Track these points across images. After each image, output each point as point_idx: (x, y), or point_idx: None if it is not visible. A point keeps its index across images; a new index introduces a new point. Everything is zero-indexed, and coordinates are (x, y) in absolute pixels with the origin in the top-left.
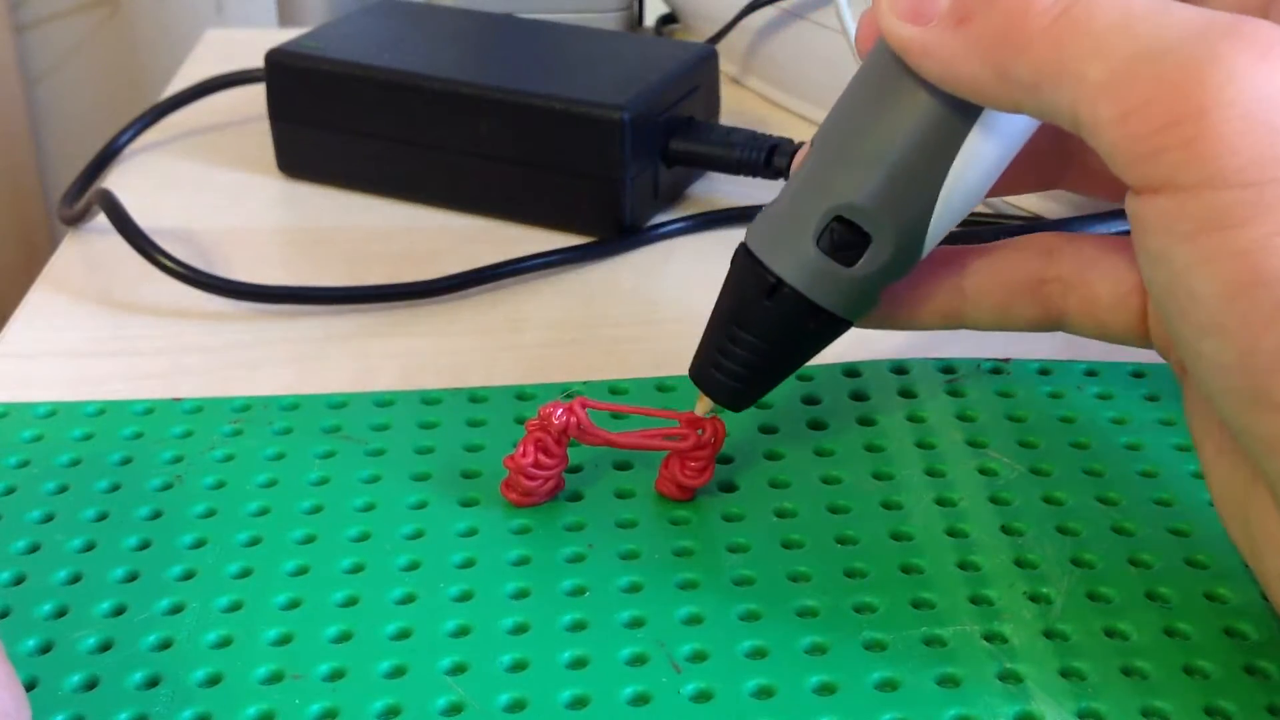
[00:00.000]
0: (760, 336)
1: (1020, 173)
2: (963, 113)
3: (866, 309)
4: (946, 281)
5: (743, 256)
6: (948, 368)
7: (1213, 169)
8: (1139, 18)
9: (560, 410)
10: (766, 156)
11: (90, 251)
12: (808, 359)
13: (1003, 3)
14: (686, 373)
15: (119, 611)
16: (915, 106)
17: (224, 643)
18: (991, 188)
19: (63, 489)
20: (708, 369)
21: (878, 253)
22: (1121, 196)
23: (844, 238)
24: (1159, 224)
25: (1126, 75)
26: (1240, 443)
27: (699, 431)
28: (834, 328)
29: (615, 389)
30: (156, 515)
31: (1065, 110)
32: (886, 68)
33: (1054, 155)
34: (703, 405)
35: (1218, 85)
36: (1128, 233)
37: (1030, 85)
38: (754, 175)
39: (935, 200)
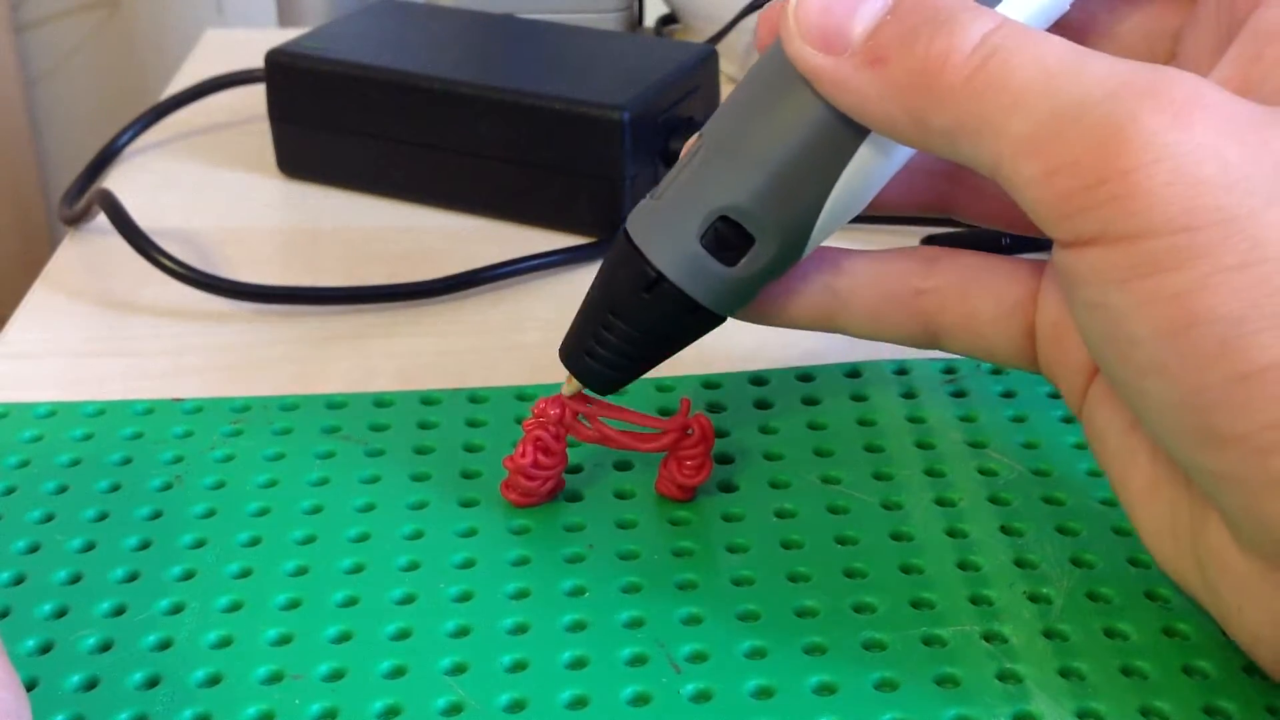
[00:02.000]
0: (635, 327)
1: (908, 190)
2: (856, 127)
3: (742, 306)
4: (820, 280)
5: (624, 245)
6: (948, 368)
7: (1144, 221)
8: (1055, 73)
9: (560, 404)
10: None
11: (90, 251)
12: (679, 349)
13: (920, 50)
14: (676, 371)
15: (119, 611)
16: (810, 115)
17: (224, 643)
18: (875, 204)
19: (63, 489)
20: (580, 354)
21: (760, 254)
22: (1012, 226)
23: (727, 237)
24: (1092, 274)
25: (1049, 133)
26: (1191, 477)
27: (688, 431)
28: (709, 322)
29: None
30: (156, 515)
31: (985, 161)
32: (783, 71)
33: (943, 175)
34: (570, 386)
35: (1140, 146)
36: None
37: (947, 134)
38: None
39: (822, 207)
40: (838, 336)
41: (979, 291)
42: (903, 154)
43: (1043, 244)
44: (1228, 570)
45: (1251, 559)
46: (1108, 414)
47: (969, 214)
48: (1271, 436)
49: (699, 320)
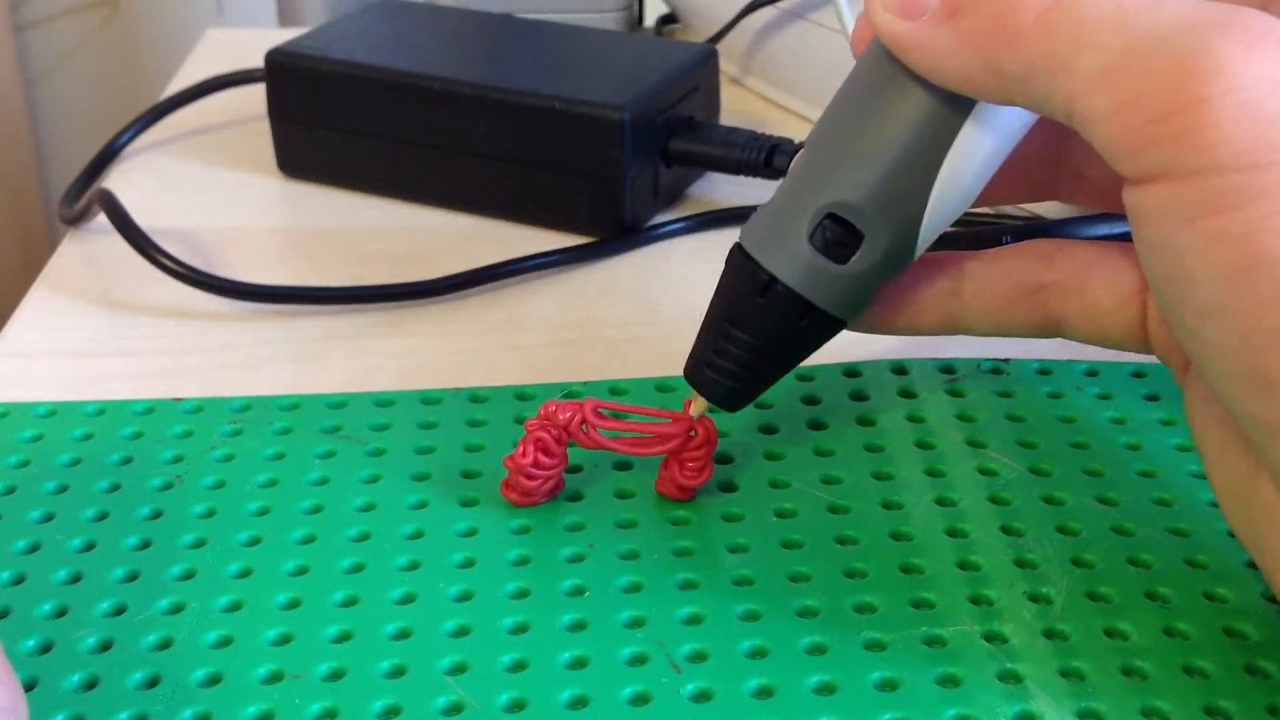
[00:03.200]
0: (754, 335)
1: (1013, 180)
2: (955, 107)
3: (860, 308)
4: (942, 285)
5: (737, 255)
6: (948, 368)
7: (1210, 156)
8: (1131, 9)
9: (571, 409)
10: (766, 156)
11: (90, 251)
12: (801, 359)
13: None
14: (676, 372)
15: (119, 611)
16: (907, 101)
17: (224, 642)
18: (984, 195)
19: (63, 489)
20: (702, 368)
21: (871, 250)
22: (1113, 204)
23: (837, 235)
24: (1157, 212)
25: (1120, 67)
26: (1242, 428)
27: (691, 433)
28: (828, 327)
29: (615, 389)
30: (156, 515)
31: (1058, 102)
32: (879, 64)
33: (1047, 164)
34: (697, 406)
35: (1211, 75)
36: (1125, 235)
37: (1022, 77)
38: (754, 175)
39: (928, 197)
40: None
41: (1098, 283)
42: (1002, 137)
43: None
44: (1273, 525)
45: None
46: (1198, 385)
47: (1076, 199)
48: None
49: (816, 324)
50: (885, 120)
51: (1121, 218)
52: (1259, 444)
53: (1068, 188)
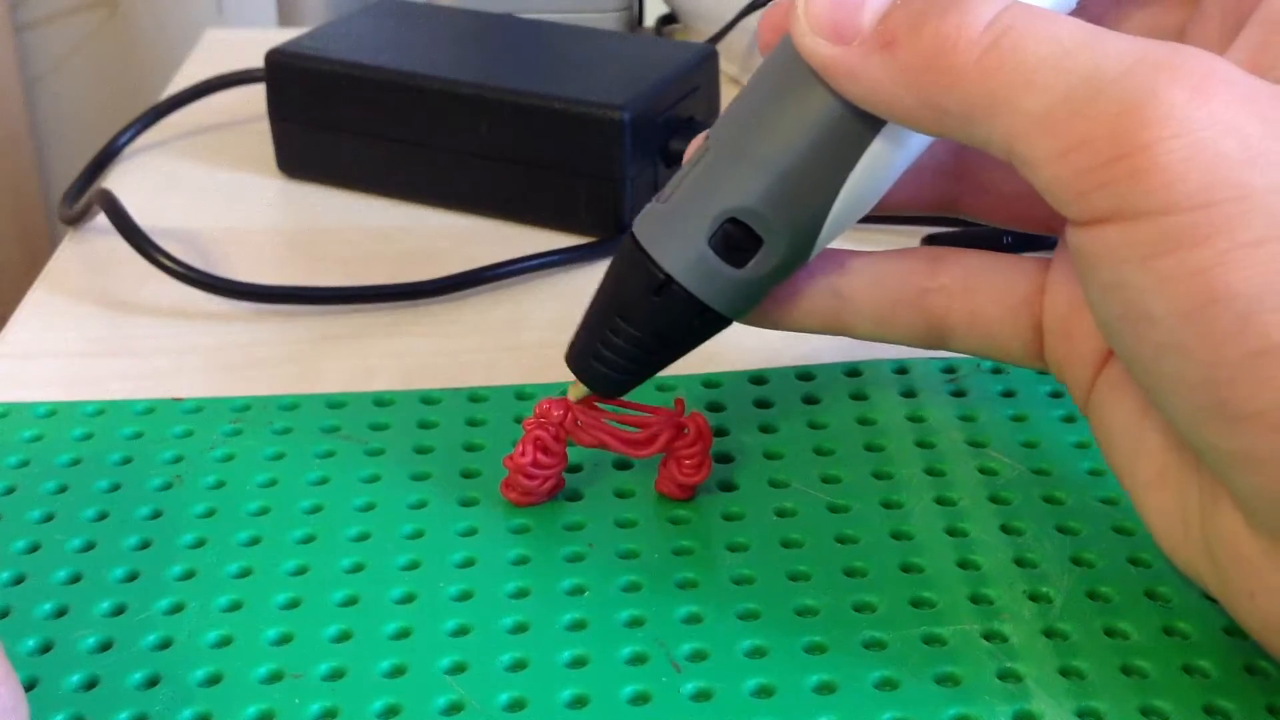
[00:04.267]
0: (643, 330)
1: (914, 190)
2: (868, 122)
3: (750, 308)
4: (825, 282)
5: (630, 248)
6: (948, 368)
7: (1163, 196)
8: (1072, 49)
9: (564, 406)
10: None
11: (90, 251)
12: (686, 353)
13: (930, 31)
14: (676, 371)
15: (119, 611)
16: (818, 113)
17: (224, 642)
18: (881, 205)
19: (63, 489)
20: (587, 358)
21: (769, 256)
22: (1015, 221)
23: (735, 240)
24: (1109, 253)
25: (1065, 111)
26: (1205, 460)
27: (684, 431)
28: (717, 325)
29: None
30: (156, 515)
31: (998, 142)
32: (792, 69)
33: (948, 174)
34: (576, 391)
35: (1160, 120)
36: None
37: (960, 116)
38: None
39: (830, 207)
40: (837, 336)
41: (984, 289)
42: (910, 150)
43: (1043, 242)
44: (1239, 556)
45: (1264, 542)
46: (1115, 405)
47: (976, 213)
48: None
49: (707, 323)
50: (793, 128)
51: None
52: (1226, 476)
53: (969, 201)
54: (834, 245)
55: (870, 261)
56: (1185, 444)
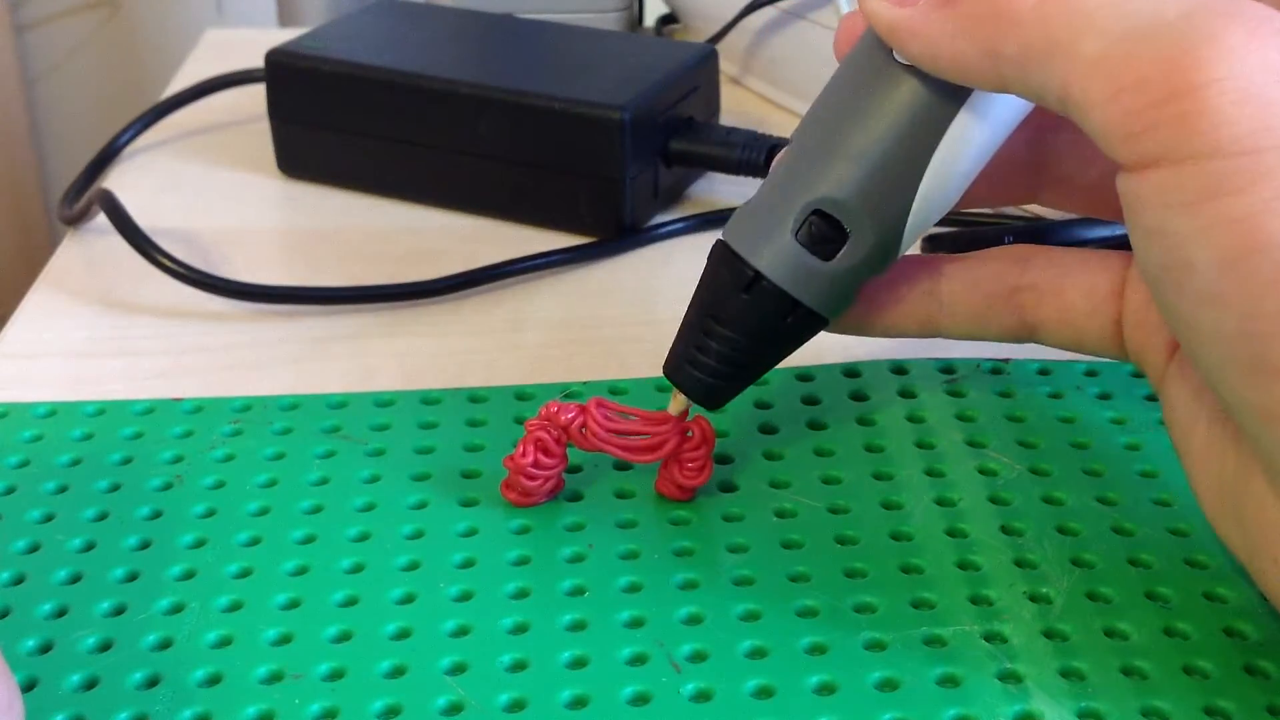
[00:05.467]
0: (737, 331)
1: (994, 183)
2: (946, 100)
3: (843, 306)
4: (921, 286)
5: (720, 251)
6: (948, 368)
7: (1210, 140)
8: None
9: (572, 410)
10: (766, 156)
11: (90, 251)
12: (783, 357)
13: None
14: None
15: (119, 611)
16: (897, 95)
17: (224, 643)
18: (965, 199)
19: (63, 489)
20: (683, 366)
21: (856, 247)
22: (1094, 209)
23: (822, 231)
24: (1155, 198)
25: (1120, 52)
26: (1236, 418)
27: (688, 434)
28: (810, 324)
29: (615, 389)
30: (156, 515)
31: (1054, 87)
32: (868, 58)
33: (1028, 166)
34: (676, 404)
35: (1212, 61)
36: (1122, 238)
37: (1018, 62)
38: (754, 175)
39: (915, 193)
40: (836, 335)
41: (1073, 287)
42: (991, 132)
43: (1043, 237)
44: (1265, 522)
45: None
46: (1180, 385)
47: (1054, 203)
48: None
49: (800, 321)
50: (873, 114)
51: (1112, 222)
52: (1255, 433)
53: (1049, 192)
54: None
55: (963, 264)
56: (1225, 414)
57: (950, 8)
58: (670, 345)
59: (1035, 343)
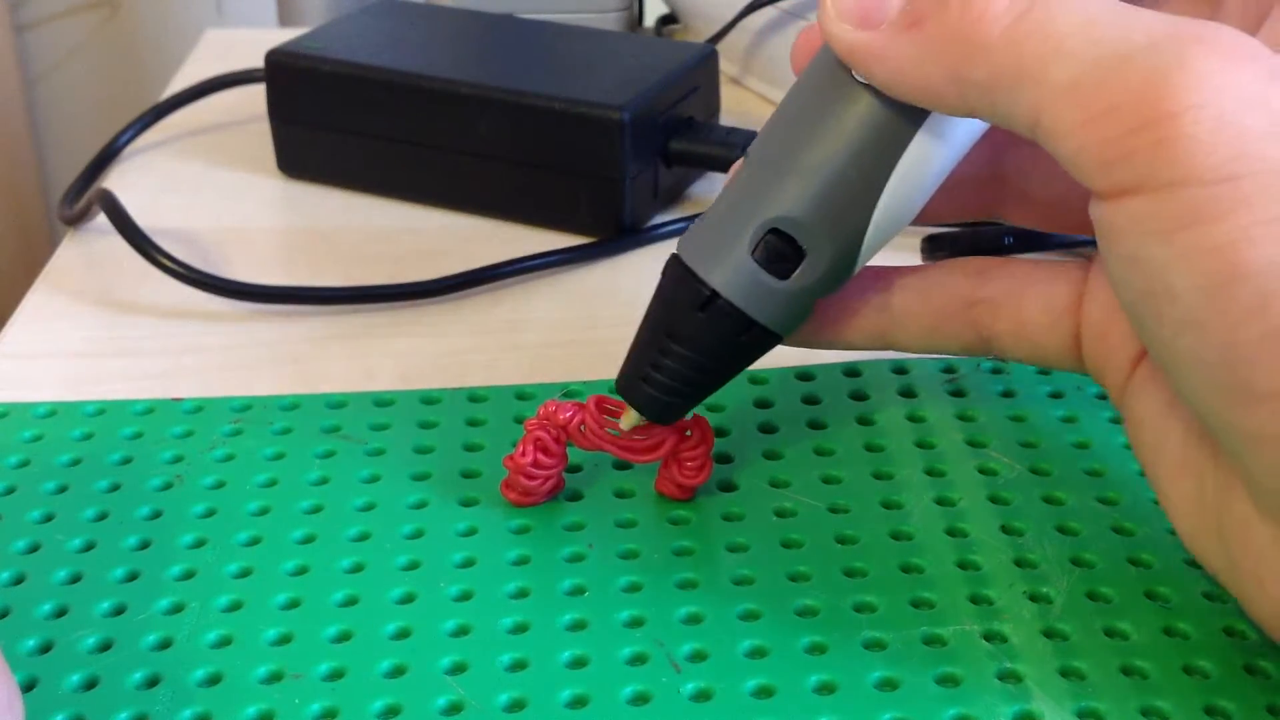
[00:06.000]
0: (692, 349)
1: (953, 198)
2: (905, 120)
3: (799, 323)
4: (874, 299)
5: (675, 267)
6: (948, 368)
7: (1187, 167)
8: (1102, 22)
9: (571, 409)
10: None
11: (90, 251)
12: (736, 373)
13: (957, 4)
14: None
15: (119, 611)
16: (856, 114)
17: (224, 642)
18: (923, 215)
19: (63, 489)
20: (636, 382)
21: (813, 266)
22: (1055, 225)
23: (779, 250)
24: (1131, 225)
25: (1092, 80)
26: (1222, 443)
27: (686, 433)
28: (765, 342)
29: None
30: (156, 515)
31: (1023, 114)
32: (827, 75)
33: (989, 181)
34: (628, 419)
35: (1185, 89)
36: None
37: (986, 88)
38: None
39: (872, 213)
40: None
41: (1030, 299)
42: (949, 150)
43: (1044, 242)
44: (1250, 543)
45: (1274, 529)
46: (1147, 400)
47: (1015, 219)
48: None
49: (755, 339)
50: (831, 133)
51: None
52: (1241, 458)
53: (1009, 207)
54: (875, 261)
55: (917, 277)
56: (1203, 430)
57: (916, 31)
58: (622, 361)
59: (992, 356)
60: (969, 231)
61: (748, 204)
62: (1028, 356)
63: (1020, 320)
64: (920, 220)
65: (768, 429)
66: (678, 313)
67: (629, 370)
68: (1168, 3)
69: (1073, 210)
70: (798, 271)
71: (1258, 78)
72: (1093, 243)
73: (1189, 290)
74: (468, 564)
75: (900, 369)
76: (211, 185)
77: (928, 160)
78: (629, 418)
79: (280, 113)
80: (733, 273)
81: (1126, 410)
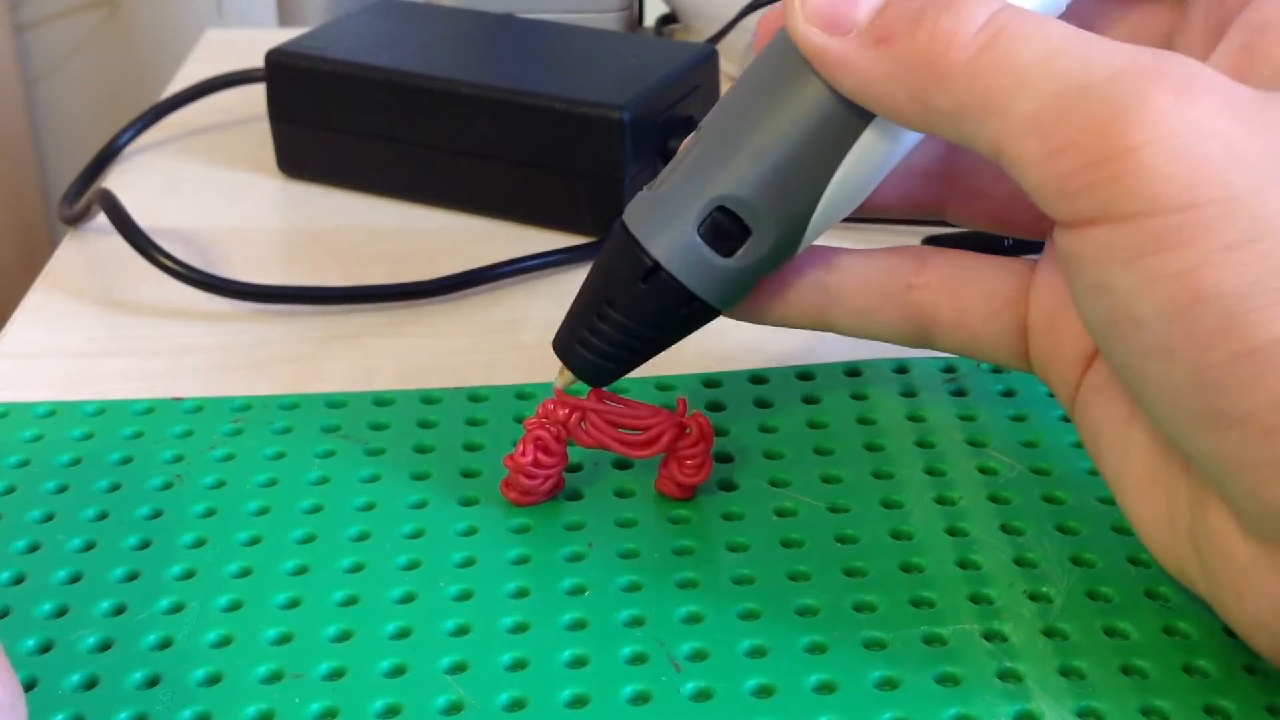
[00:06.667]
0: (630, 317)
1: (903, 194)
2: (858, 113)
3: (738, 299)
4: (812, 277)
5: (620, 235)
6: (948, 367)
7: (1148, 198)
8: (1062, 54)
9: (568, 407)
10: None
11: (90, 251)
12: (672, 344)
13: (926, 29)
14: (676, 370)
15: (119, 611)
16: (810, 102)
17: (224, 642)
18: (872, 208)
19: (63, 489)
20: (573, 345)
21: (757, 245)
22: (1004, 226)
23: (725, 228)
24: (1095, 254)
25: (1053, 113)
26: (1197, 466)
27: (686, 431)
28: (704, 315)
29: (614, 387)
30: (156, 515)
31: (986, 143)
32: (785, 61)
33: (938, 177)
34: (563, 379)
35: (1144, 125)
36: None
37: (950, 114)
38: None
39: (819, 198)
40: (838, 335)
41: (971, 288)
42: (900, 145)
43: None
44: (1228, 557)
45: (1253, 544)
46: (1103, 407)
47: (963, 217)
48: (1277, 415)
49: (694, 312)
50: (785, 118)
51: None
52: (1219, 481)
53: (958, 204)
54: (823, 243)
55: (857, 258)
56: (1173, 448)
57: (884, 48)
58: (562, 320)
59: (930, 348)
60: (970, 232)
61: (697, 180)
62: (966, 349)
63: (959, 308)
64: (865, 210)
65: (768, 428)
66: (619, 281)
67: (566, 332)
68: (1136, 11)
69: (1022, 210)
70: (741, 250)
71: (1212, 108)
72: None
73: (1155, 316)
74: (468, 563)
75: (901, 368)
76: (211, 185)
77: (877, 152)
78: (563, 377)
79: (280, 113)
80: (678, 247)
81: (1081, 418)
